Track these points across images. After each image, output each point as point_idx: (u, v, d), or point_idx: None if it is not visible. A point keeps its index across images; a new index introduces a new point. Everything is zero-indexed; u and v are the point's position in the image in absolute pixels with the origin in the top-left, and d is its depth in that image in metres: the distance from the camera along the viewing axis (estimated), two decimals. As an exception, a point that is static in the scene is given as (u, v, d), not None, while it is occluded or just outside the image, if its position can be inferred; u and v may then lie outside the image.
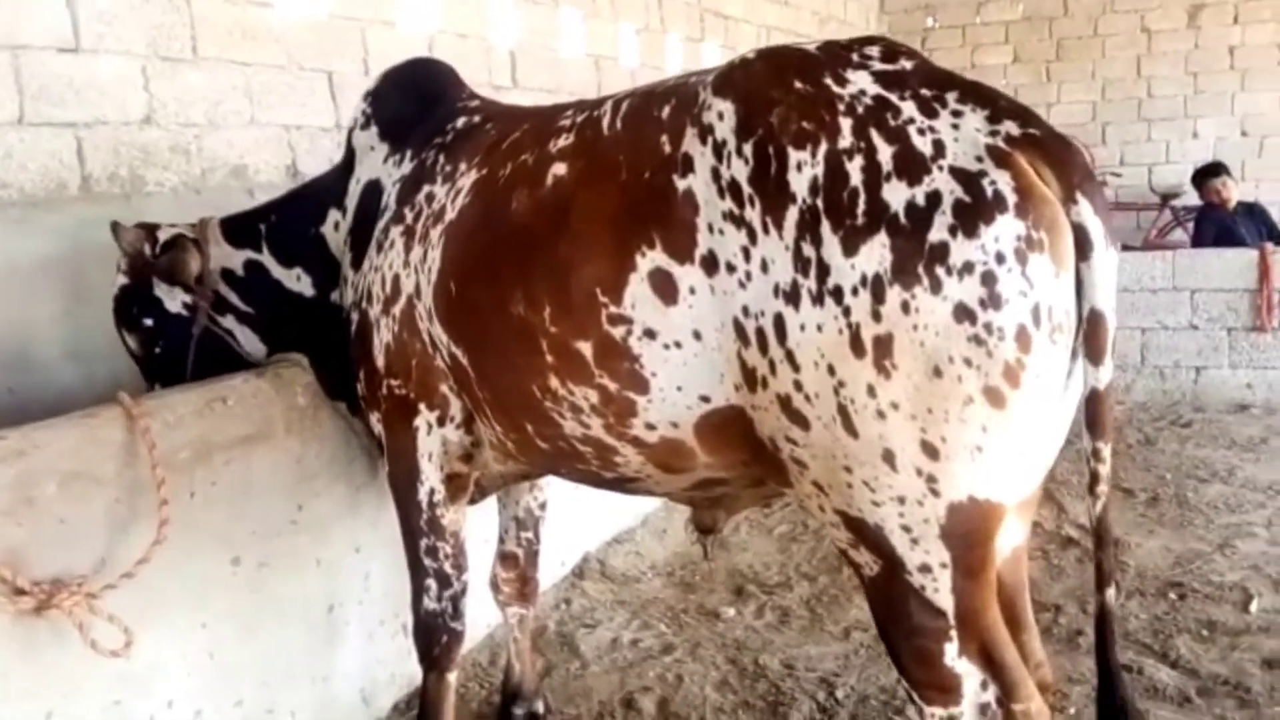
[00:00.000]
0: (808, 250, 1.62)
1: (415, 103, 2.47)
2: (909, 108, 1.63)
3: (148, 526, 2.13)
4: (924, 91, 1.65)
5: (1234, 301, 5.38)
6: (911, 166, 1.58)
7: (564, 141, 2.03)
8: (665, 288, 1.78)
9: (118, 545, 2.11)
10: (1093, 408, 1.63)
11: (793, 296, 1.63)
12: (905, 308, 1.55)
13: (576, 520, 3.85)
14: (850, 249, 1.58)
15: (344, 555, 2.74)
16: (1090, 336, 1.60)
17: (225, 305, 2.62)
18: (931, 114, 1.62)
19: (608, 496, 2.60)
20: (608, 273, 1.83)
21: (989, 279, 1.52)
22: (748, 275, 1.68)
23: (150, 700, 2.23)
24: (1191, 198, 7.74)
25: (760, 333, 1.68)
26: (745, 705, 3.01)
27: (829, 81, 1.68)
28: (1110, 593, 1.74)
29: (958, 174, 1.56)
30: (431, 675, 2.51)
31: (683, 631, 3.46)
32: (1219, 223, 6.29)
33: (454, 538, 2.43)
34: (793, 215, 1.63)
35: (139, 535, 2.12)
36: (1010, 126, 1.60)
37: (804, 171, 1.63)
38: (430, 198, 2.29)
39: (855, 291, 1.58)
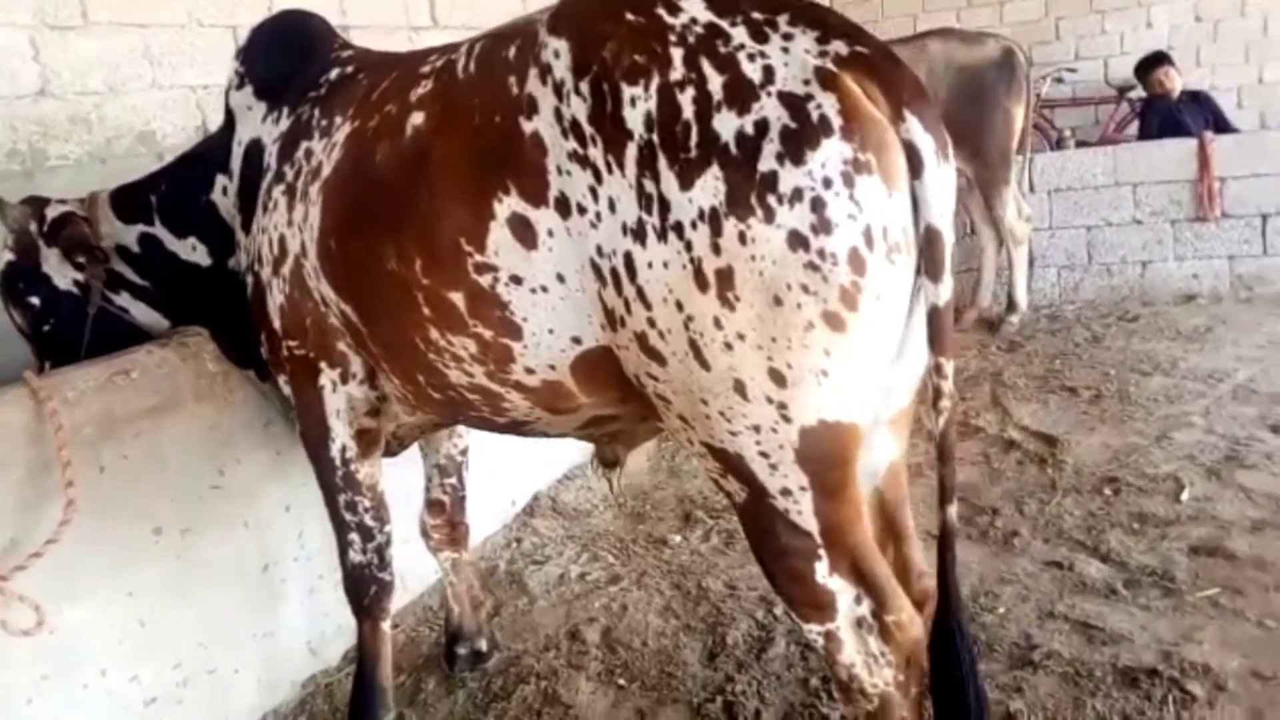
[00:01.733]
0: (649, 186, 1.61)
1: (287, 58, 2.43)
2: (740, 33, 1.61)
3: (57, 506, 2.15)
4: (755, 15, 1.63)
5: (1176, 193, 5.37)
6: (741, 94, 1.56)
7: (423, 89, 2.00)
8: (524, 232, 1.77)
9: (27, 526, 2.14)
10: (933, 324, 1.65)
11: (639, 234, 1.63)
12: (742, 239, 1.55)
13: (526, 460, 3.89)
14: (686, 183, 1.58)
15: (274, 515, 2.77)
16: (927, 253, 1.61)
17: (120, 281, 2.60)
18: (762, 38, 1.60)
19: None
20: (469, 221, 1.83)
21: (818, 204, 1.52)
22: (598, 215, 1.68)
23: (81, 671, 2.28)
24: (1151, 89, 7.66)
25: (614, 272, 1.68)
26: (687, 628, 3.08)
27: (661, 11, 1.66)
28: (951, 510, 1.78)
29: (785, 99, 1.55)
30: (365, 625, 2.57)
31: (630, 562, 3.52)
32: (1164, 113, 6.24)
33: (371, 491, 2.46)
34: (632, 152, 1.62)
35: (48, 515, 2.15)
36: (839, 46, 1.58)
37: (638, 106, 1.62)
38: (309, 154, 2.27)
39: (694, 226, 1.58)
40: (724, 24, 1.62)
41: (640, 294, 1.66)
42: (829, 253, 1.53)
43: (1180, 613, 2.83)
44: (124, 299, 2.62)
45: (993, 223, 5.37)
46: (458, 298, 1.90)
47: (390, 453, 2.62)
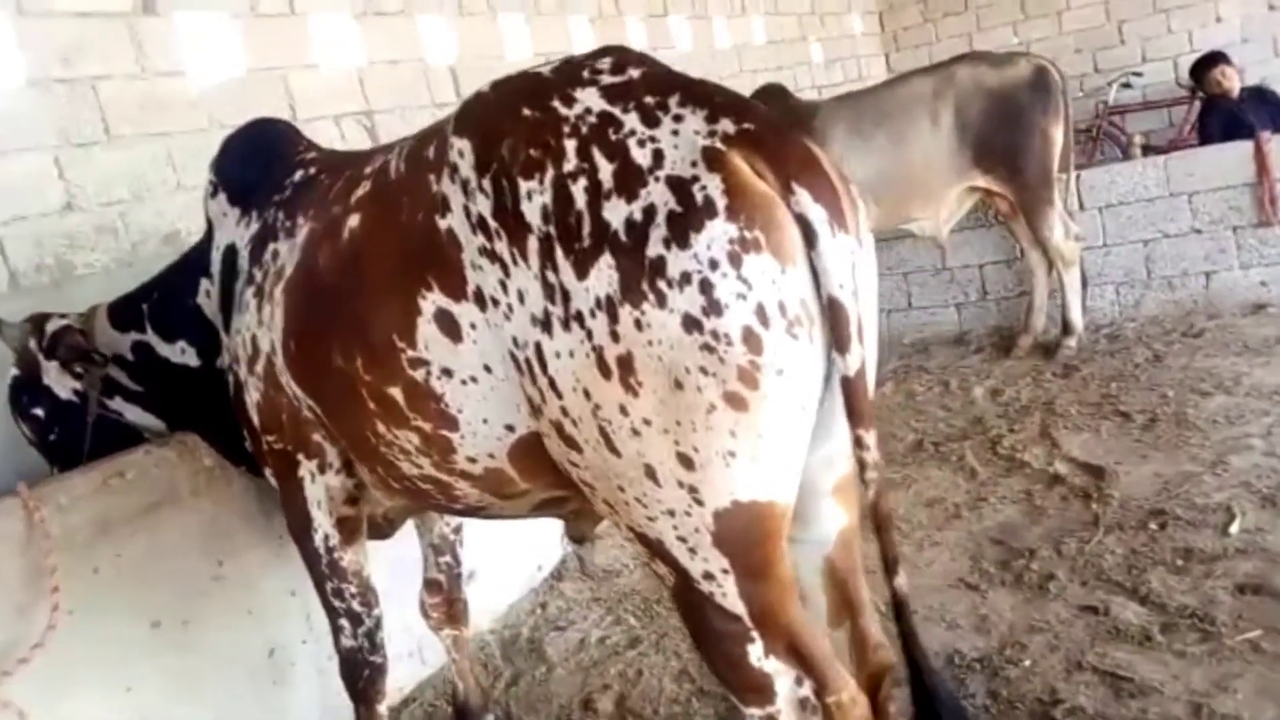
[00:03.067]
0: (551, 278, 1.62)
1: (255, 164, 2.53)
2: (631, 119, 1.61)
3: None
4: (647, 100, 1.63)
5: (1234, 199, 5.07)
6: (629, 181, 1.57)
7: (361, 190, 2.07)
8: (449, 327, 1.80)
9: (21, 633, 2.24)
10: (846, 395, 1.61)
11: (546, 324, 1.64)
12: (638, 325, 1.54)
13: (554, 523, 3.89)
14: (582, 272, 1.58)
15: (278, 601, 2.85)
16: (832, 324, 1.57)
17: (115, 388, 2.73)
18: (653, 122, 1.60)
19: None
20: (399, 318, 1.86)
21: (706, 286, 1.50)
22: (510, 308, 1.69)
23: (85, 762, 2.37)
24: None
25: (528, 362, 1.69)
26: (701, 693, 3.02)
27: (556, 104, 1.67)
28: (899, 581, 1.72)
29: (672, 183, 1.54)
30: (360, 709, 2.60)
31: (652, 623, 3.48)
32: (1226, 113, 5.94)
33: (356, 577, 2.50)
34: (533, 244, 1.64)
35: (41, 622, 2.25)
36: (726, 124, 1.57)
37: (534, 200, 1.63)
38: (275, 255, 2.35)
39: (593, 314, 1.58)
40: (616, 111, 1.63)
41: (552, 384, 1.67)
42: (722, 333, 1.51)
43: (1217, 659, 2.64)
44: (119, 404, 2.75)
45: (1040, 245, 5.19)
46: (396, 392, 1.93)
47: (382, 535, 2.67)
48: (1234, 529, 3.23)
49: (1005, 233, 5.58)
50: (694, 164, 1.54)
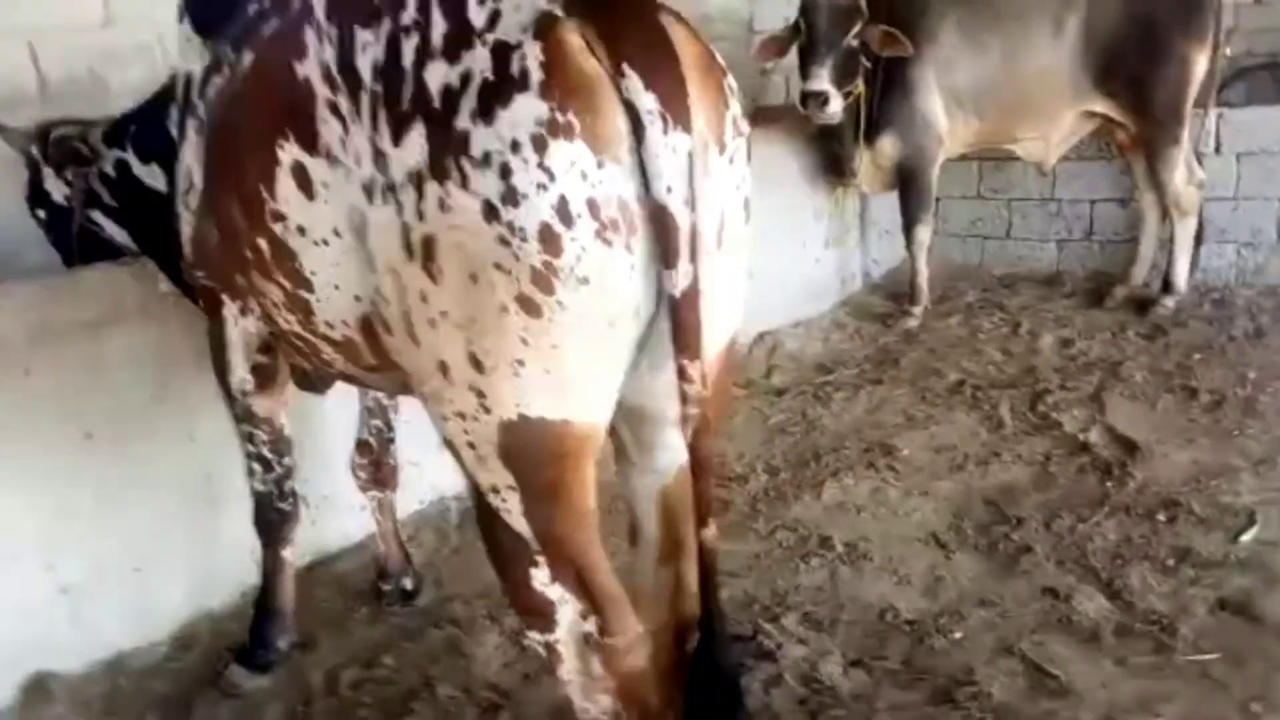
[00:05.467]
0: (377, 142, 1.50)
1: None
2: None
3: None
4: None
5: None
6: (456, 43, 1.42)
7: (267, 28, 1.96)
8: (304, 181, 1.69)
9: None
10: (671, 318, 1.44)
11: (370, 193, 1.53)
12: (442, 205, 1.42)
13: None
14: (397, 139, 1.46)
15: (221, 430, 2.85)
16: (658, 236, 1.40)
17: (95, 200, 2.78)
18: None
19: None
20: (264, 167, 1.77)
21: (505, 171, 1.36)
22: (348, 170, 1.58)
23: (-3, 553, 2.51)
24: None
25: (358, 232, 1.60)
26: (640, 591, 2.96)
27: None
28: (708, 532, 1.57)
29: (496, 49, 1.39)
30: (267, 552, 2.66)
31: (607, 519, 3.41)
32: None
33: (268, 424, 2.51)
34: (365, 102, 1.51)
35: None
36: None
37: (367, 53, 1.51)
38: (216, 90, 2.30)
39: (404, 187, 1.46)
40: None
41: (370, 258, 1.57)
42: (518, 227, 1.37)
43: (1158, 675, 2.39)
44: (99, 217, 2.81)
45: (1156, 188, 4.62)
46: (263, 244, 1.86)
47: (314, 390, 2.67)
48: (1246, 537, 2.89)
49: (1125, 168, 5.00)
50: (524, 29, 1.37)
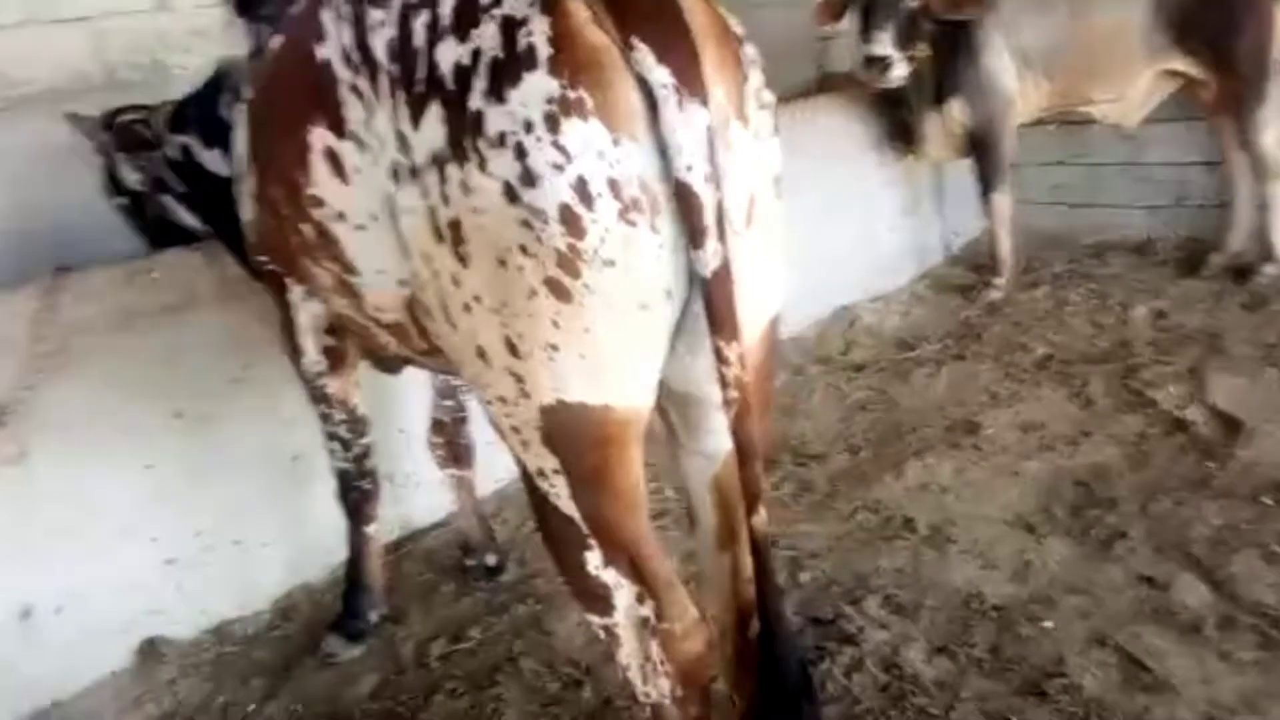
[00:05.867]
0: (398, 124, 1.47)
1: None
2: None
3: (58, 376, 2.43)
4: None
5: None
6: (465, 19, 1.38)
7: (296, 11, 1.94)
8: (336, 166, 1.69)
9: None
10: (706, 300, 1.39)
11: (396, 175, 1.51)
12: (465, 188, 1.38)
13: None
14: (416, 121, 1.43)
15: (306, 410, 2.90)
16: (683, 215, 1.34)
17: (164, 186, 2.82)
18: None
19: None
20: (297, 153, 1.77)
21: (521, 152, 1.31)
22: (375, 153, 1.56)
23: (100, 526, 2.58)
24: None
25: (390, 215, 1.57)
26: (699, 577, 2.93)
27: None
28: (758, 519, 1.51)
29: (505, 25, 1.34)
30: (352, 528, 2.70)
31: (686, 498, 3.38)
32: None
33: (342, 405, 2.53)
34: (384, 84, 1.49)
35: (48, 383, 2.43)
36: None
37: (381, 33, 1.48)
38: (255, 74, 2.29)
39: (428, 170, 1.43)
40: None
41: (402, 242, 1.55)
42: (538, 209, 1.33)
43: (1263, 671, 2.27)
44: (170, 202, 2.85)
45: (1246, 149, 4.37)
46: (308, 230, 1.87)
47: (389, 370, 2.68)
48: (1361, 524, 2.72)
49: (1214, 129, 4.73)
50: (531, 3, 1.32)
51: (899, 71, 4.22)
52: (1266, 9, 4.07)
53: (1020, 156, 5.11)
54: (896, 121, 4.82)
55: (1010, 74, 4.54)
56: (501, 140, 1.31)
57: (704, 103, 1.32)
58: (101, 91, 3.31)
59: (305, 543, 2.96)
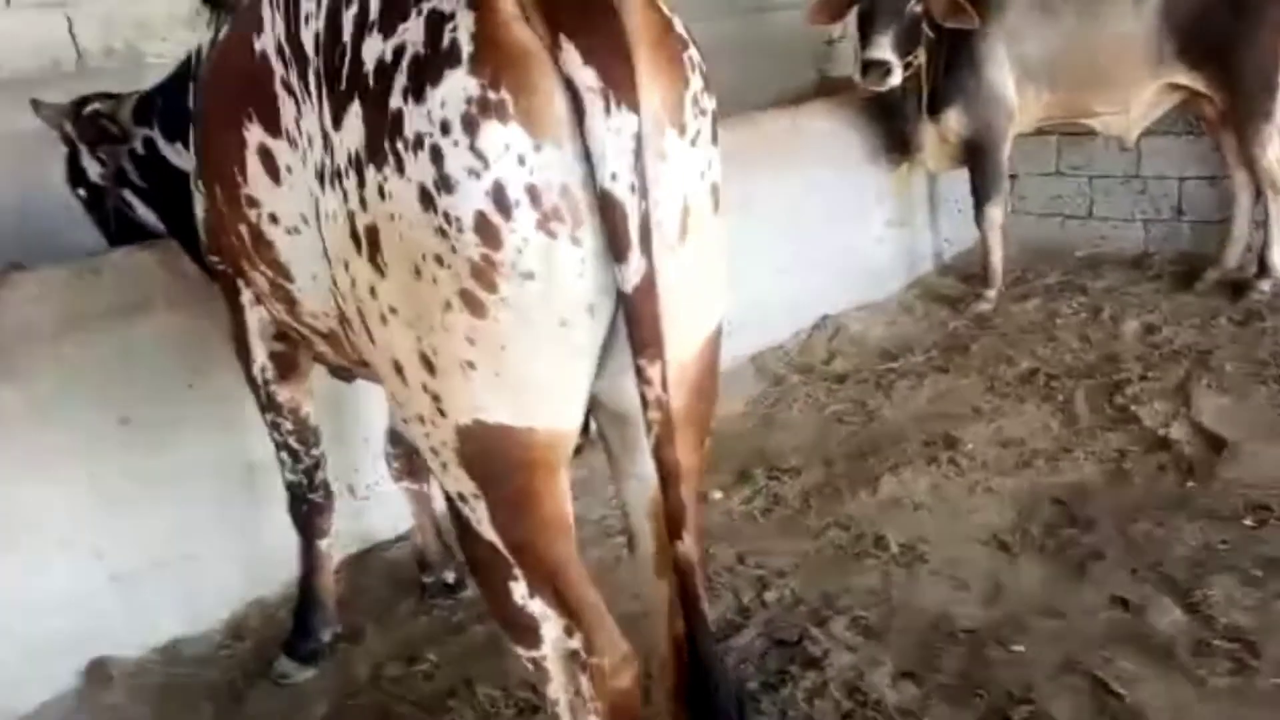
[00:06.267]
0: (323, 122, 1.40)
1: None
2: None
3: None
4: None
5: None
6: (393, 13, 1.30)
7: (243, 2, 1.88)
8: (270, 165, 1.63)
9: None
10: (627, 316, 1.31)
11: (321, 177, 1.44)
12: (381, 192, 1.31)
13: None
14: (337, 120, 1.36)
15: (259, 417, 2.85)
16: (606, 226, 1.27)
17: (125, 179, 2.75)
18: None
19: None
20: (234, 150, 1.72)
21: (437, 155, 1.24)
22: (305, 153, 1.50)
23: (40, 539, 2.50)
24: None
25: (317, 219, 1.50)
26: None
27: None
28: (683, 546, 1.43)
29: (430, 20, 1.26)
30: (303, 543, 2.62)
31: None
32: None
33: (293, 414, 2.45)
34: (312, 81, 1.42)
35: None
36: None
37: (310, 26, 1.41)
38: (209, 66, 2.23)
39: (347, 173, 1.36)
40: None
41: (325, 247, 1.48)
42: (453, 216, 1.26)
43: (1236, 699, 2.19)
44: (129, 195, 2.78)
45: (1247, 165, 4.30)
46: (244, 231, 1.80)
47: (344, 378, 2.60)
48: (1345, 548, 2.63)
49: (1215, 144, 4.66)
50: None
51: (897, 78, 4.16)
52: (1274, 25, 3.99)
53: (1019, 167, 5.04)
54: (891, 130, 4.75)
55: (1011, 84, 4.48)
56: (419, 142, 1.24)
57: (633, 108, 1.25)
58: (75, 79, 3.23)
59: (259, 557, 2.87)
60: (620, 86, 1.23)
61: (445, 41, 1.23)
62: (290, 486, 2.54)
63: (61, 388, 2.49)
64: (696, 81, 1.36)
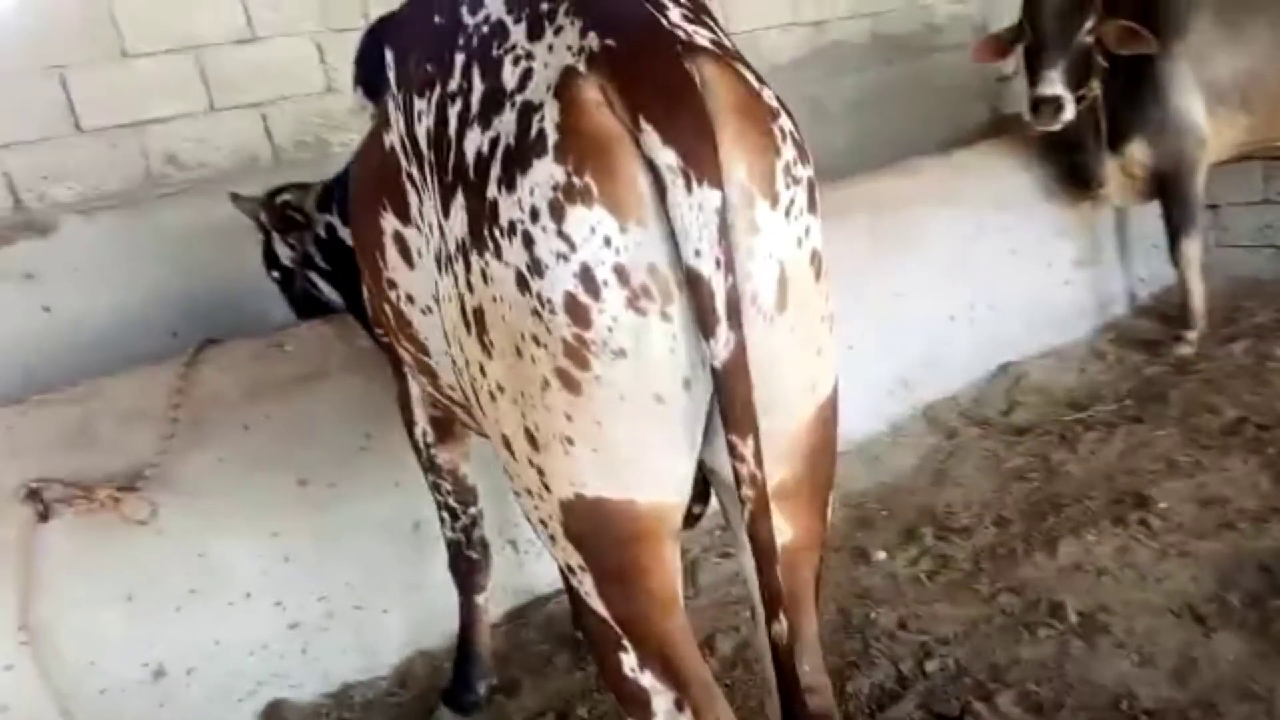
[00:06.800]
0: (437, 212, 1.49)
1: (377, 52, 2.55)
2: (519, 31, 1.39)
3: (191, 444, 2.60)
4: (543, 6, 1.39)
5: None
6: (490, 106, 1.37)
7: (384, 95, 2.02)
8: (404, 250, 1.74)
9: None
10: (717, 391, 1.30)
11: (439, 262, 1.52)
12: (485, 277, 1.37)
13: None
14: (445, 210, 1.43)
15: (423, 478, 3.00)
16: (694, 303, 1.27)
17: (310, 262, 2.99)
18: (536, 34, 1.37)
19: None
20: (375, 235, 1.83)
21: (528, 241, 1.28)
22: (427, 239, 1.59)
23: (228, 591, 2.73)
24: None
25: (437, 302, 1.58)
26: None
27: (463, 11, 1.49)
28: (778, 628, 1.40)
29: (521, 111, 1.32)
30: (462, 598, 2.73)
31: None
32: None
33: (451, 475, 2.57)
34: (427, 173, 1.50)
35: (181, 451, 2.60)
36: (593, 39, 1.29)
37: (423, 122, 1.49)
38: (358, 158, 2.39)
39: (456, 259, 1.43)
40: (509, 20, 1.42)
41: (449, 330, 1.56)
42: (545, 299, 1.30)
43: None
44: (315, 276, 3.02)
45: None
46: (388, 309, 1.92)
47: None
48: None
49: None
50: (548, 88, 1.29)
51: (1070, 114, 3.94)
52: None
53: (1219, 196, 4.65)
54: (1071, 164, 4.50)
55: (1200, 109, 4.16)
56: (512, 229, 1.30)
57: (715, 184, 1.25)
58: (269, 171, 3.57)
59: (425, 610, 3.01)
60: (701, 164, 1.24)
61: (533, 131, 1.28)
62: (450, 544, 2.66)
63: (247, 452, 2.71)
64: (788, 151, 1.35)
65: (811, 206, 1.39)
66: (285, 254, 3.08)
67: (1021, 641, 2.67)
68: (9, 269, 3.24)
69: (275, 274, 3.18)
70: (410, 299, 1.78)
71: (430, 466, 2.56)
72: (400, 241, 1.72)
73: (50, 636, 2.49)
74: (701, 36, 1.36)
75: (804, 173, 1.37)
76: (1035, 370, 4.44)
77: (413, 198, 1.60)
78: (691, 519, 1.63)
